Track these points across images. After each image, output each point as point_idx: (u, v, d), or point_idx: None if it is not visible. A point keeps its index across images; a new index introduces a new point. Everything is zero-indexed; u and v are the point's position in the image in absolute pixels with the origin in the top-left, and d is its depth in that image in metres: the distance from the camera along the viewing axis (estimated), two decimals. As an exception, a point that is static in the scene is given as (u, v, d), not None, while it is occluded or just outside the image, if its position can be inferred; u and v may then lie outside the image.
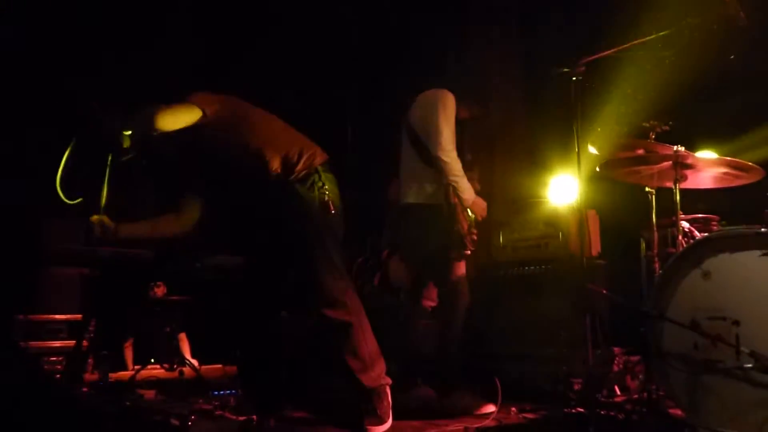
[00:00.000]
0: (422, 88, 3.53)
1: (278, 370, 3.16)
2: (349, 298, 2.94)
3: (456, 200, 3.26)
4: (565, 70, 2.97)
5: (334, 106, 5.79)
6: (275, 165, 2.95)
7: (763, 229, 2.58)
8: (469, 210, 3.40)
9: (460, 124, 3.42)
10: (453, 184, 3.24)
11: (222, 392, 3.72)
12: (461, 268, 3.43)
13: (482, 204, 3.45)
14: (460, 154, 3.42)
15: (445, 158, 3.22)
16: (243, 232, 3.16)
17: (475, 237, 3.37)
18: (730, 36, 2.89)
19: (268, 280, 3.10)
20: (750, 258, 2.56)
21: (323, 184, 2.95)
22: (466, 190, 3.30)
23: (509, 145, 5.69)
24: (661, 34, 2.84)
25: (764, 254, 2.52)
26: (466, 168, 3.48)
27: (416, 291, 3.50)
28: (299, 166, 2.96)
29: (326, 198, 2.93)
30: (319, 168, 2.99)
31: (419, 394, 3.49)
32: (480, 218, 3.45)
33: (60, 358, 4.35)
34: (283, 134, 3.05)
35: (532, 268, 4.19)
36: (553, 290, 4.01)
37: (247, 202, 3.06)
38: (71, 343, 4.23)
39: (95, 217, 2.92)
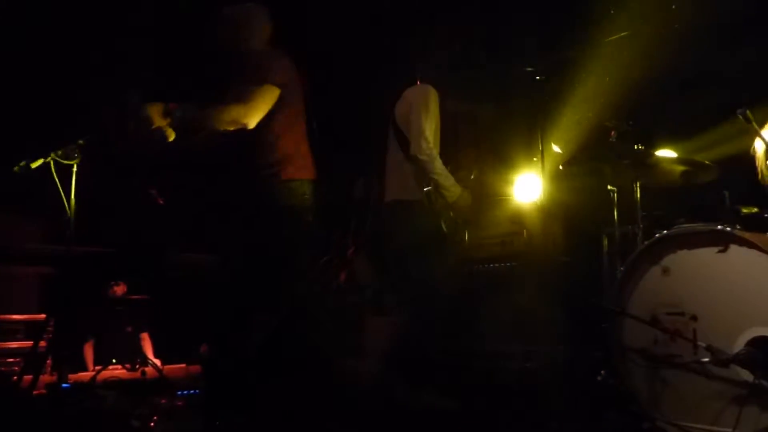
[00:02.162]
0: (392, 85, 3.50)
1: (244, 370, 3.13)
2: (311, 300, 2.95)
3: (439, 197, 3.22)
4: (529, 69, 2.99)
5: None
6: (261, 152, 2.92)
7: (719, 227, 2.64)
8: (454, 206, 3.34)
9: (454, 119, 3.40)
10: (434, 182, 3.21)
11: (185, 392, 3.67)
12: (438, 265, 3.40)
13: (468, 200, 3.38)
14: (454, 151, 3.39)
15: (422, 157, 3.17)
16: (217, 226, 3.12)
17: (460, 233, 3.35)
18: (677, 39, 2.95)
19: (238, 277, 3.07)
20: (707, 255, 2.62)
21: (304, 194, 2.93)
22: (449, 188, 3.25)
23: (474, 143, 5.72)
24: (620, 35, 2.89)
25: (721, 251, 2.58)
26: (459, 166, 3.46)
27: (386, 287, 3.47)
28: (287, 170, 2.92)
29: (299, 209, 2.91)
30: (301, 181, 2.97)
31: (385, 392, 3.49)
32: (460, 216, 3.39)
33: (17, 360, 4.23)
34: (292, 134, 2.97)
35: (497, 265, 4.22)
36: (518, 287, 4.05)
37: (225, 193, 3.02)
38: (29, 343, 4.13)
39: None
